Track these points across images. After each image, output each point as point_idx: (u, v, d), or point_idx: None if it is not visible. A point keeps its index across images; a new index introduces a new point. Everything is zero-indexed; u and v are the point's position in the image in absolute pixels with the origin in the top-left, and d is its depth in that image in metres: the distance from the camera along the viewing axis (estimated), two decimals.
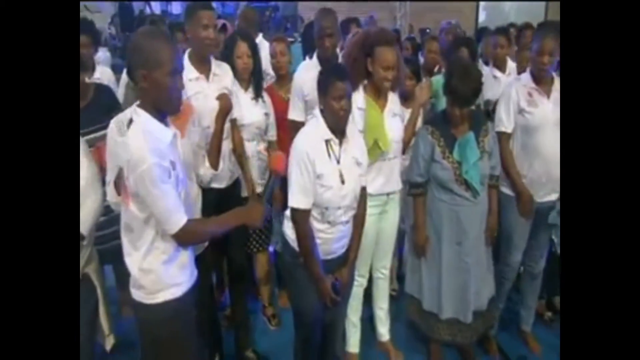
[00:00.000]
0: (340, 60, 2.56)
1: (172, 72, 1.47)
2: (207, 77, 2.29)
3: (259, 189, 2.66)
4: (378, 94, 2.30)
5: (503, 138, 2.48)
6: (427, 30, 7.28)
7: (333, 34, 2.54)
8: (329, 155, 1.88)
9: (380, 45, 2.21)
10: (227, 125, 2.34)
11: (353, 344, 2.51)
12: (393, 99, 2.38)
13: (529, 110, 2.43)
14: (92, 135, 2.20)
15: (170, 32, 3.06)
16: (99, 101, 2.33)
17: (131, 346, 2.21)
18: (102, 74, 3.09)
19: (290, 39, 3.49)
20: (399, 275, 3.18)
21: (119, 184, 1.53)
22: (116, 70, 3.51)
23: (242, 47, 2.51)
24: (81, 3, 7.49)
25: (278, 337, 2.79)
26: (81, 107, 2.29)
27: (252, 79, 2.59)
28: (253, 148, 2.61)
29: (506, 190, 2.50)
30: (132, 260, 1.55)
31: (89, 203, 1.75)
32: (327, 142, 1.88)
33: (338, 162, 1.90)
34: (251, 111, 2.56)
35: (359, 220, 2.05)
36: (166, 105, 1.51)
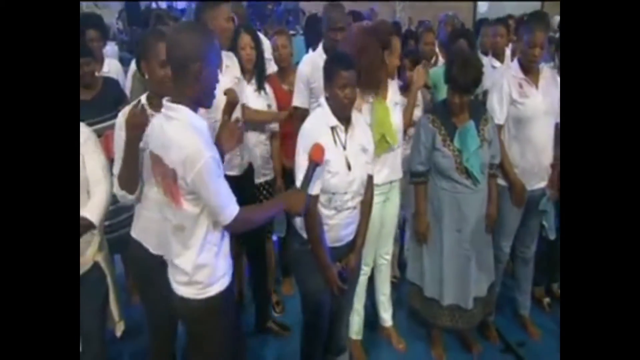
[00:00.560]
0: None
1: (219, 65, 1.51)
2: (221, 69, 2.29)
3: (262, 179, 2.66)
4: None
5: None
6: (426, 22, 7.26)
7: (344, 27, 2.53)
8: (335, 141, 1.86)
9: (393, 35, 2.23)
10: (238, 115, 2.31)
11: (356, 330, 2.51)
12: (393, 88, 2.36)
13: (520, 102, 2.42)
14: (100, 125, 2.23)
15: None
16: (107, 93, 2.35)
17: (140, 332, 2.25)
18: (111, 66, 3.09)
19: (292, 32, 3.47)
20: (399, 263, 3.18)
21: (163, 183, 1.49)
22: (123, 63, 3.51)
23: (245, 39, 2.51)
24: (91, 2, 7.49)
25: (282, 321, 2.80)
26: (90, 98, 2.30)
27: (254, 70, 2.58)
28: (256, 138, 2.61)
29: (499, 180, 2.50)
30: (185, 259, 1.51)
31: (99, 192, 1.76)
32: (333, 129, 1.87)
33: (344, 148, 1.88)
34: (254, 102, 2.56)
35: (366, 207, 2.04)
36: (209, 98, 1.49)
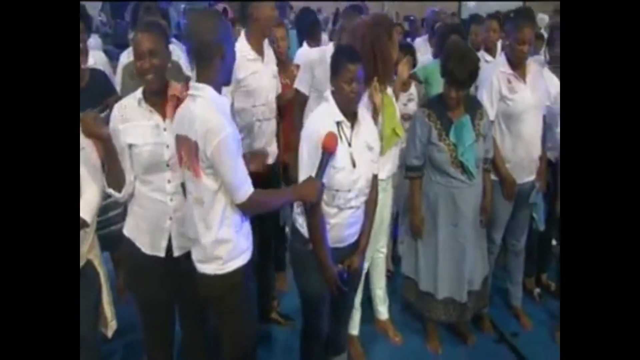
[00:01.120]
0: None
1: (234, 45, 1.59)
2: (263, 58, 2.34)
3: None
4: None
5: None
6: (411, 18, 7.37)
7: None
8: (340, 137, 1.77)
9: (394, 27, 2.20)
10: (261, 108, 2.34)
11: (353, 326, 2.46)
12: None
13: (510, 97, 2.41)
14: None
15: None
16: (94, 86, 2.24)
17: (131, 330, 2.15)
18: (96, 58, 2.95)
19: None
20: (393, 257, 3.14)
21: (187, 157, 1.54)
22: (108, 56, 3.37)
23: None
24: None
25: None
26: None
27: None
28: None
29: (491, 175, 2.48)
30: (206, 234, 1.55)
31: (90, 190, 1.68)
32: (339, 124, 1.79)
33: (349, 144, 1.80)
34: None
35: (371, 207, 1.96)
36: (229, 77, 1.61)
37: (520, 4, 8.72)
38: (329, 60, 1.84)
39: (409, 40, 4.55)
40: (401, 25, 5.68)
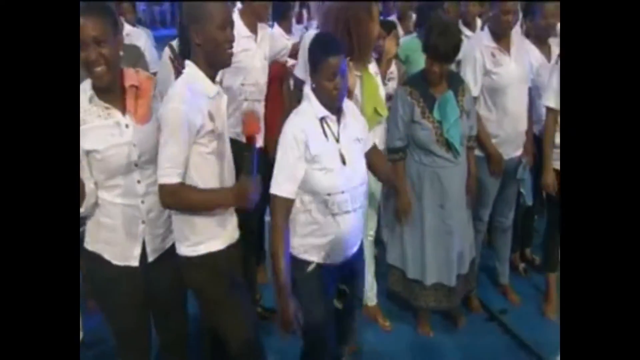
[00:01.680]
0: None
1: (221, 25, 1.42)
2: (256, 38, 2.25)
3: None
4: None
5: None
6: None
7: None
8: (326, 134, 1.56)
9: (373, 4, 2.02)
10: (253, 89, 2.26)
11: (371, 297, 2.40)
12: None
13: (495, 71, 2.33)
14: None
15: None
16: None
17: (100, 341, 1.98)
18: None
19: None
20: (376, 240, 3.02)
21: None
22: None
23: None
24: None
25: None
26: None
27: None
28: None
29: (476, 151, 2.41)
30: (176, 214, 1.50)
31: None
32: (323, 119, 1.56)
33: (337, 140, 1.58)
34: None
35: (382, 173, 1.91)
36: (218, 58, 1.47)
37: None
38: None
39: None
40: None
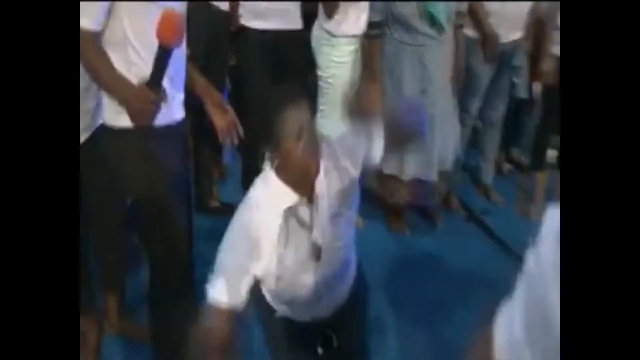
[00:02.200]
0: None
1: None
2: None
3: None
4: None
5: None
6: None
7: None
8: (292, 227, 1.05)
9: None
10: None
11: None
12: None
13: None
14: None
15: None
16: None
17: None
18: None
19: None
20: None
21: None
22: None
23: None
24: None
25: None
26: None
27: None
28: None
29: (468, 31, 2.12)
30: None
31: None
32: (291, 209, 1.04)
33: (310, 229, 1.07)
34: None
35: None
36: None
37: None
38: None
39: None
40: None
